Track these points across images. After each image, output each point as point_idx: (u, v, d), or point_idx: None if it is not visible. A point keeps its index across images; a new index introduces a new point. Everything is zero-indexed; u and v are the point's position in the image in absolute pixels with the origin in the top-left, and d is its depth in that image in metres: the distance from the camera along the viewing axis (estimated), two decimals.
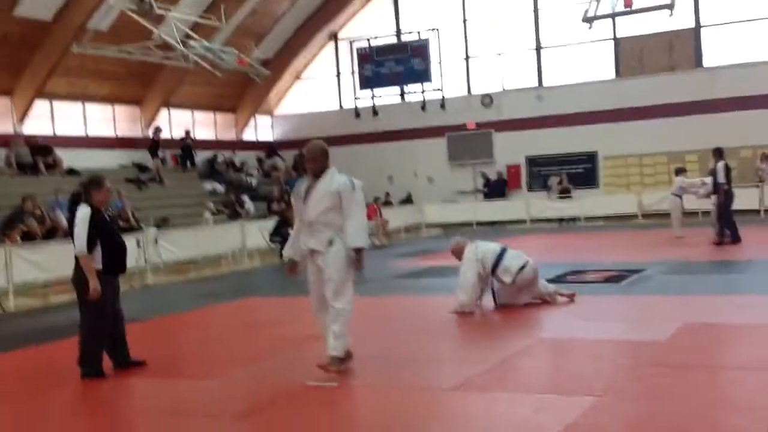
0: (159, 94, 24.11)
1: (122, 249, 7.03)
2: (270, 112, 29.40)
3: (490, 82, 26.20)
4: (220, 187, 23.92)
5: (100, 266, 6.78)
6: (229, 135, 27.91)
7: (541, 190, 25.09)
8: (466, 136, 26.34)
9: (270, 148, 28.55)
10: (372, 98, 27.72)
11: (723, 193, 14.61)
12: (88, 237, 6.72)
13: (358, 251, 6.22)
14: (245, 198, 22.85)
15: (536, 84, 25.71)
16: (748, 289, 9.47)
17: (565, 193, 24.34)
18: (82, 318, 6.90)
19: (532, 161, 25.75)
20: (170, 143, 24.49)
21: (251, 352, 7.61)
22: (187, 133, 24.98)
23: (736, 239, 14.44)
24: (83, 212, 6.83)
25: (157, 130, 23.48)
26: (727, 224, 14.56)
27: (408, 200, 26.42)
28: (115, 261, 6.93)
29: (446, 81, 26.75)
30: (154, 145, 23.00)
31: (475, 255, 9.05)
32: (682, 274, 11.30)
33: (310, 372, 6.25)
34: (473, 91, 26.48)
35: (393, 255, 17.29)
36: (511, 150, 25.55)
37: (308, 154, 6.40)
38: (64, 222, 16.43)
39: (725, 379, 5.68)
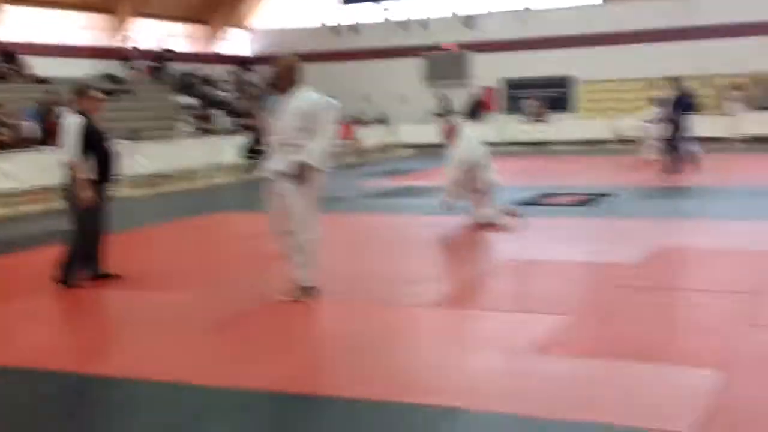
0: (131, 3, 23.46)
1: (113, 158, 6.97)
2: (246, 26, 28.79)
3: (475, 3, 25.79)
4: (193, 101, 23.57)
5: (92, 175, 6.72)
6: (204, 48, 27.35)
7: (517, 113, 25.04)
8: (444, 57, 26.06)
9: (246, 63, 28.07)
10: (352, 16, 27.20)
11: (670, 123, 14.69)
12: (79, 145, 6.65)
13: (309, 169, 5.85)
14: (219, 113, 22.57)
15: (518, 6, 25.35)
16: (716, 214, 9.61)
17: (540, 117, 24.30)
18: (72, 226, 6.86)
19: (510, 84, 25.60)
20: (144, 55, 23.97)
21: (223, 267, 7.62)
22: (163, 44, 24.45)
23: (681, 167, 14.51)
24: (74, 120, 6.75)
25: (130, 39, 22.95)
26: (675, 153, 14.62)
27: (383, 120, 26.26)
28: (106, 170, 6.87)
29: (430, 0, 26.30)
30: (128, 54, 22.53)
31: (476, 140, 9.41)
32: (652, 199, 11.43)
33: (282, 287, 6.27)
34: (457, 12, 26.07)
35: (366, 174, 17.26)
36: (489, 72, 25.36)
37: (276, 70, 6.10)
38: (35, 130, 16.15)
39: (692, 301, 5.80)
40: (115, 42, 23.35)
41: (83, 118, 6.78)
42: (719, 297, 5.76)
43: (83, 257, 6.90)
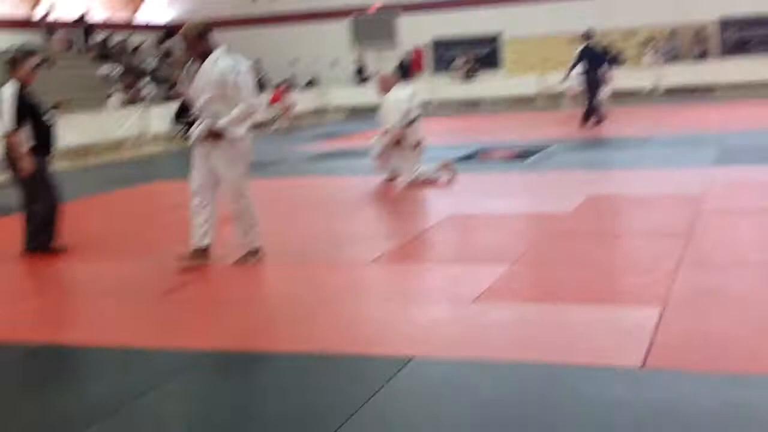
0: None
1: (52, 129, 6.83)
2: None
3: None
4: (116, 70, 22.96)
5: (29, 146, 6.59)
6: (124, 15, 26.63)
7: (446, 74, 25.13)
8: (371, 19, 25.92)
9: (167, 30, 27.44)
10: None
11: (584, 76, 15.01)
12: (15, 115, 6.50)
13: (220, 132, 5.73)
14: (144, 81, 22.07)
15: None
16: (644, 164, 9.89)
17: (471, 74, 24.45)
18: (25, 197, 6.78)
19: (437, 44, 25.66)
20: (64, 24, 23.22)
21: (162, 235, 7.55)
22: (84, 13, 23.70)
23: (596, 121, 14.86)
24: (9, 89, 6.58)
25: (50, 8, 22.18)
26: (589, 106, 14.95)
27: (312, 84, 26.06)
28: (44, 141, 6.73)
29: None
30: (47, 25, 21.79)
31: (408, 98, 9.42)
32: (582, 151, 11.70)
33: (228, 249, 6.26)
34: None
35: (299, 138, 17.18)
36: (415, 32, 25.34)
37: (184, 38, 5.91)
38: None
39: (627, 245, 6.01)
40: (33, 12, 22.53)
41: (18, 87, 6.60)
42: (652, 240, 5.98)
43: (40, 227, 6.80)
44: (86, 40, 23.54)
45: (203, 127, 5.82)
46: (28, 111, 6.62)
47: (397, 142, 9.32)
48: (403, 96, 9.46)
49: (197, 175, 5.97)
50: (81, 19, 23.62)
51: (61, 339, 4.64)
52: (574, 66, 15.19)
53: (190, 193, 6.03)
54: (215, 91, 5.70)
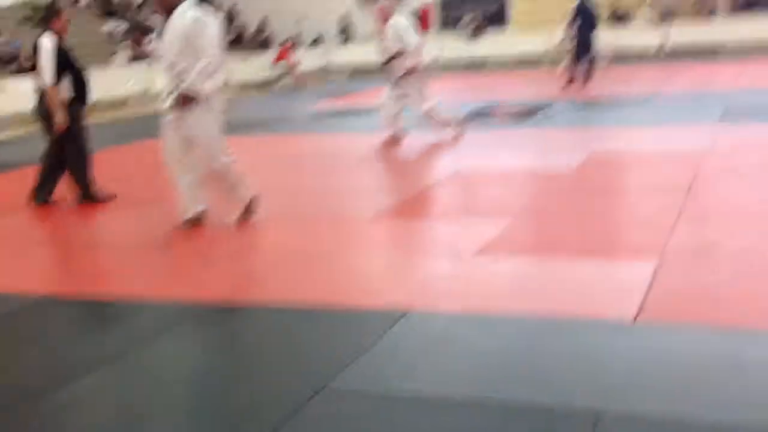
0: None
1: (87, 80, 6.92)
2: None
3: None
4: (121, 26, 22.83)
5: (68, 96, 6.70)
6: None
7: (453, 32, 24.90)
8: None
9: None
10: None
11: (570, 36, 14.90)
12: (55, 67, 6.58)
13: (191, 96, 5.53)
14: (149, 38, 21.93)
15: None
16: (648, 122, 9.85)
17: (478, 33, 24.23)
18: (68, 150, 6.86)
19: (445, 2, 25.39)
20: None
21: (165, 189, 7.57)
22: None
23: (588, 79, 14.81)
24: (47, 42, 6.62)
25: None
26: (574, 66, 14.83)
27: (318, 42, 25.87)
28: (81, 93, 6.82)
29: None
30: None
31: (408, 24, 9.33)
32: (588, 110, 11.64)
33: (230, 205, 6.29)
34: None
35: (305, 96, 17.13)
36: None
37: None
38: None
39: (627, 201, 6.02)
40: None
41: (56, 39, 6.66)
42: (652, 196, 5.99)
43: (79, 179, 6.91)
44: None
45: (175, 95, 5.58)
46: (66, 63, 6.69)
47: (412, 69, 9.16)
48: (406, 21, 9.35)
49: (169, 145, 5.80)
50: None
51: (64, 289, 4.71)
52: (570, 24, 15.08)
53: (164, 162, 5.91)
54: (182, 45, 5.48)
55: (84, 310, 4.42)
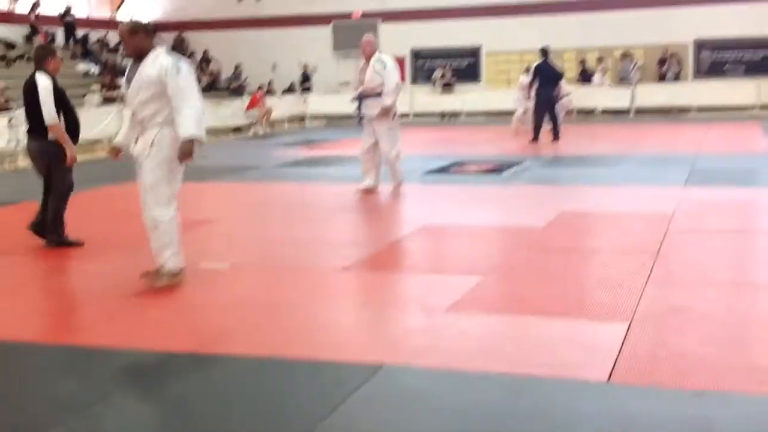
0: None
1: (77, 119, 6.99)
2: None
3: None
4: (94, 69, 22.83)
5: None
6: (103, 13, 26.50)
7: (425, 84, 25.25)
8: (352, 26, 26.00)
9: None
10: None
11: (532, 95, 15.36)
12: (54, 106, 6.68)
13: (190, 142, 5.29)
14: (122, 81, 21.93)
15: None
16: (617, 181, 10.03)
17: (448, 87, 24.60)
18: (53, 188, 6.89)
19: (417, 54, 25.78)
20: (46, 20, 23.09)
21: (138, 236, 7.51)
22: (68, 9, 23.56)
23: (555, 138, 15.15)
24: (45, 81, 6.69)
25: (35, 4, 22.07)
26: (537, 123, 15.22)
27: (291, 90, 26.06)
28: (74, 131, 6.88)
29: None
30: (31, 20, 21.69)
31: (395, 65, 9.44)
32: (558, 167, 11.82)
33: (200, 255, 6.27)
34: None
35: (276, 144, 17.18)
36: (396, 41, 25.45)
37: (119, 34, 5.66)
38: None
39: (597, 261, 6.09)
40: (12, 6, 22.36)
41: (51, 78, 6.76)
42: (621, 257, 6.07)
43: (53, 219, 6.91)
44: (68, 37, 23.37)
45: (180, 143, 5.31)
46: (60, 102, 6.77)
47: (388, 109, 9.18)
48: (392, 60, 9.42)
49: (141, 189, 5.59)
50: (64, 16, 23.47)
51: (29, 338, 4.63)
52: (532, 82, 15.51)
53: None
54: (151, 92, 5.32)
55: (49, 359, 4.34)
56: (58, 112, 6.72)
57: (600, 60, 23.50)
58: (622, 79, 23.20)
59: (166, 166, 5.39)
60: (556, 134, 15.30)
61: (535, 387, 3.63)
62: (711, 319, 4.50)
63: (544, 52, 15.56)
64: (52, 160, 6.85)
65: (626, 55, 23.43)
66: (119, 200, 10.04)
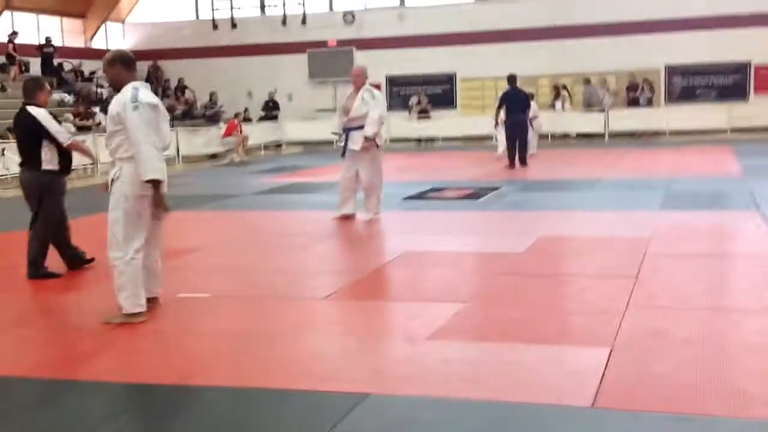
0: None
1: (69, 150, 7.07)
2: (122, 20, 28.01)
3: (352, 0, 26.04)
4: (68, 98, 22.73)
5: (55, 167, 6.84)
6: (78, 42, 26.44)
7: (401, 110, 25.41)
8: (328, 54, 26.17)
9: None
10: (230, 10, 26.95)
11: (502, 121, 15.66)
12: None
13: (155, 186, 5.23)
14: (96, 110, 21.85)
15: (398, 3, 25.79)
16: (593, 206, 10.13)
17: (423, 114, 24.77)
18: (40, 218, 6.93)
19: (392, 81, 25.96)
20: (21, 49, 23.01)
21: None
22: (48, 39, 23.48)
23: (521, 163, 15.43)
24: (42, 112, 6.81)
25: (13, 34, 22.02)
26: (510, 149, 15.51)
27: (268, 117, 26.09)
28: (67, 162, 6.98)
29: None
30: (7, 51, 21.65)
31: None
32: (534, 192, 11.91)
33: (181, 284, 6.23)
34: (335, 8, 26.25)
35: (254, 171, 17.17)
36: (371, 69, 25.56)
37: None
38: None
39: (578, 286, 6.13)
40: None
41: (43, 110, 6.89)
42: (601, 281, 6.12)
43: (36, 250, 6.92)
44: (45, 68, 23.26)
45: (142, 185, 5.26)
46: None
47: (372, 139, 9.22)
48: (381, 94, 9.53)
49: None
50: (43, 47, 23.40)
51: (13, 371, 4.57)
52: (498, 110, 15.76)
53: None
54: (114, 127, 5.26)
55: (32, 391, 4.28)
56: (51, 142, 6.77)
57: (555, 88, 23.78)
58: (589, 105, 23.52)
59: (125, 204, 5.26)
60: (522, 159, 15.51)
61: (520, 414, 3.64)
62: (692, 343, 4.54)
63: (510, 79, 15.83)
64: (43, 190, 6.89)
65: (587, 82, 23.75)
66: (93, 230, 9.96)
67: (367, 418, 3.67)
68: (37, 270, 6.87)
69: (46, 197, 6.92)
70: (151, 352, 4.83)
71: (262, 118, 25.42)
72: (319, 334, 5.16)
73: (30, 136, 6.81)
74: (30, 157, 6.86)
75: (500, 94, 16.33)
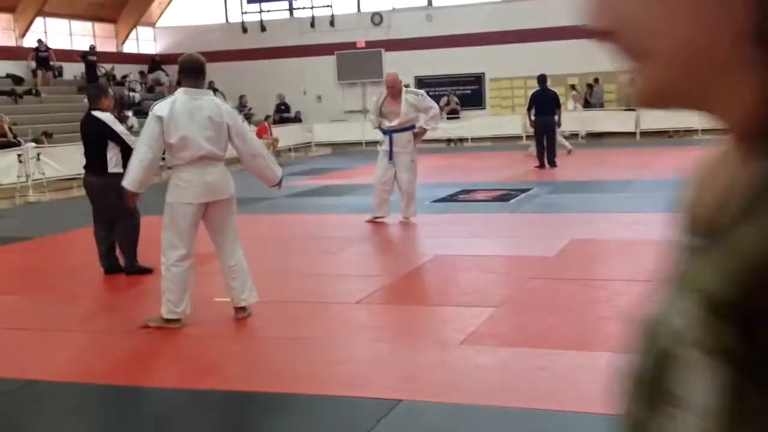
0: (33, 1, 22.77)
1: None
2: (152, 24, 28.29)
3: (380, 0, 26.04)
4: None
5: (120, 170, 6.89)
6: (110, 47, 26.75)
7: None
8: (356, 55, 26.21)
9: (153, 62, 27.58)
10: (260, 13, 27.10)
11: (531, 121, 15.56)
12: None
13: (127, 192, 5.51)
14: (129, 113, 22.09)
15: (426, 3, 25.76)
16: (626, 207, 10.04)
17: (453, 114, 24.73)
18: (121, 220, 7.10)
19: (421, 81, 25.92)
20: (51, 54, 23.32)
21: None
22: (92, 47, 23.77)
23: (551, 164, 15.29)
24: (108, 116, 7.09)
25: (40, 42, 22.39)
26: (539, 150, 15.40)
27: (296, 119, 26.20)
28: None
29: None
30: (42, 56, 21.95)
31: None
32: (566, 193, 11.84)
33: (217, 289, 6.28)
34: (363, 9, 26.29)
35: (285, 174, 17.17)
36: (400, 70, 25.57)
37: None
38: None
39: (612, 290, 6.09)
40: (17, 41, 22.61)
41: (108, 114, 7.17)
42: (635, 285, 6.07)
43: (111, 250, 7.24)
44: (90, 75, 23.47)
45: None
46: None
47: (419, 135, 9.41)
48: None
49: None
50: (85, 54, 23.69)
51: (46, 376, 4.65)
52: (529, 110, 15.69)
53: None
54: None
55: (66, 397, 4.36)
56: (117, 145, 7.00)
57: (572, 87, 23.64)
58: (593, 105, 23.45)
59: (167, 211, 5.43)
60: (550, 160, 15.41)
61: (555, 422, 3.63)
62: None
63: (540, 79, 15.74)
64: (116, 194, 6.96)
65: (596, 82, 23.65)
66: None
67: (399, 426, 3.68)
68: (132, 265, 7.11)
69: (120, 199, 7.01)
70: (190, 358, 4.88)
71: (275, 122, 25.55)
72: (351, 340, 5.19)
73: (96, 140, 7.02)
74: (96, 161, 7.05)
75: (530, 94, 16.27)
